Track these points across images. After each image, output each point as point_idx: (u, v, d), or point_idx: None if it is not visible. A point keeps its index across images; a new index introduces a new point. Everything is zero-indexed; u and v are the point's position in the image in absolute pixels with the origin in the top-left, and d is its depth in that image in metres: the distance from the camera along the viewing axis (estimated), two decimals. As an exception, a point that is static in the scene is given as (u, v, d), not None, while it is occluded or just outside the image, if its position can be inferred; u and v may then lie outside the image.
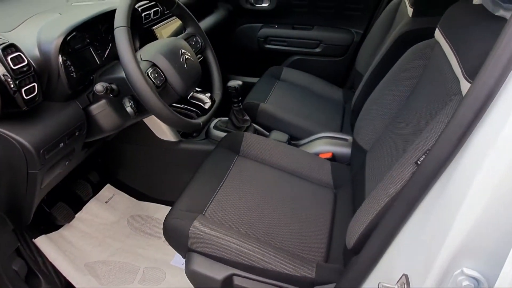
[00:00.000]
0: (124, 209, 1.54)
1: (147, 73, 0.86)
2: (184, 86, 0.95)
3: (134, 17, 1.17)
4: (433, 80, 0.87)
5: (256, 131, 1.52)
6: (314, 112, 1.65)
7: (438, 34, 0.92)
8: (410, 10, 1.27)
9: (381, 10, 1.82)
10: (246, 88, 2.15)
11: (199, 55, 1.14)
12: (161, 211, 1.54)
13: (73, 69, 0.98)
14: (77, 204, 1.41)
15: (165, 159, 1.48)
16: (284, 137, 1.44)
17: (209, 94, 1.08)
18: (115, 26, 0.82)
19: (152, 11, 1.24)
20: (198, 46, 1.11)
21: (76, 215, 1.41)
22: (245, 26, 2.05)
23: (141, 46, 1.18)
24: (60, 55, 0.87)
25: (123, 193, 1.60)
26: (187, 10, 1.09)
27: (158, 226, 1.49)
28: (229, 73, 2.21)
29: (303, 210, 1.08)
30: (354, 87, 1.86)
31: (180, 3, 1.05)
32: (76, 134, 0.95)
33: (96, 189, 1.53)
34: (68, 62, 0.98)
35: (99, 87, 0.84)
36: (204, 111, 1.04)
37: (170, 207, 1.00)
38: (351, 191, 1.16)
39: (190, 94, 1.06)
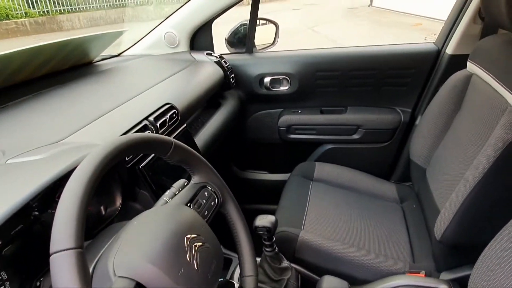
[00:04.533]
0: None
1: None
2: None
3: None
4: None
5: (300, 277, 1.06)
6: (371, 229, 1.21)
7: None
8: (514, 100, 0.86)
9: (435, 83, 1.44)
10: (271, 187, 1.74)
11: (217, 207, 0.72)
12: None
13: (5, 277, 0.58)
14: None
15: None
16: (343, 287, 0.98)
17: (236, 282, 0.65)
18: (51, 251, 0.41)
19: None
20: (213, 203, 0.69)
21: None
22: (262, 113, 1.67)
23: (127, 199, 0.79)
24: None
25: None
26: (191, 151, 0.68)
27: None
28: (245, 169, 1.80)
29: None
30: (412, 182, 1.43)
31: (177, 142, 0.65)
32: None
33: None
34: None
35: None
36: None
37: None
38: None
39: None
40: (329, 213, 1.26)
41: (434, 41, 1.47)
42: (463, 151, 1.05)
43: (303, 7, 11.89)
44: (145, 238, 0.53)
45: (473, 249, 0.82)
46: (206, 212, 0.67)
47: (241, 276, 0.69)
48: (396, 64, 1.47)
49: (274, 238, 0.99)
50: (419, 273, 1.02)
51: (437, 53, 1.44)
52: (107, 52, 1.38)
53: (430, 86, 1.46)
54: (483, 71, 1.06)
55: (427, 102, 1.40)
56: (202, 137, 1.25)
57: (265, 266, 1.02)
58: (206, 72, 1.39)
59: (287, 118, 1.62)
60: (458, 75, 1.21)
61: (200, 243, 0.57)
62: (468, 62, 1.18)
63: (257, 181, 1.78)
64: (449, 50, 1.39)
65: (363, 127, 1.55)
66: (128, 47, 1.57)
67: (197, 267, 0.54)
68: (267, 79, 1.58)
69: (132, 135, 0.57)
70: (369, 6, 11.47)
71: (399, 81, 1.49)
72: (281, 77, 1.57)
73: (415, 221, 1.26)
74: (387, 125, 1.53)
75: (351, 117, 1.56)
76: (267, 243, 0.98)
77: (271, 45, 1.71)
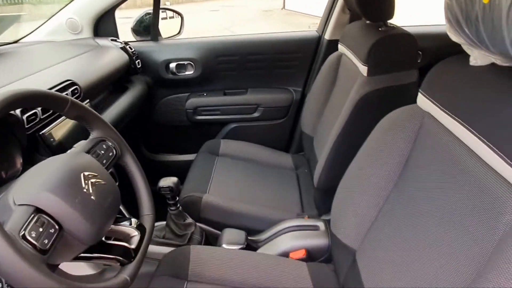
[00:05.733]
0: None
1: (23, 234, 0.51)
2: (93, 230, 0.61)
3: (8, 123, 0.82)
4: (441, 161, 0.65)
5: (205, 234, 1.19)
6: (267, 190, 1.39)
7: (440, 114, 0.69)
8: (363, 68, 1.09)
9: (318, 65, 1.67)
10: (181, 167, 1.84)
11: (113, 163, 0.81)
12: None
13: None
14: None
15: None
16: (241, 236, 1.13)
17: (135, 221, 0.75)
18: None
19: (39, 108, 0.89)
20: (111, 154, 0.78)
21: None
22: (170, 97, 1.76)
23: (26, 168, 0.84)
24: None
25: None
26: (88, 108, 0.77)
27: None
28: (156, 152, 1.88)
29: None
30: (304, 151, 1.65)
31: (74, 100, 0.73)
32: None
33: None
34: None
35: None
36: (129, 254, 0.70)
37: None
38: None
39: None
40: (232, 180, 1.41)
41: (316, 29, 1.72)
42: (334, 115, 1.27)
43: (220, 9, 12.09)
44: (42, 173, 0.61)
45: None
46: (105, 161, 0.75)
47: (140, 215, 0.79)
48: (285, 49, 1.68)
49: (177, 198, 1.11)
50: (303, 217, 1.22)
51: (318, 39, 1.68)
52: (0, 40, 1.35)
53: (315, 67, 1.69)
54: (348, 50, 1.30)
55: (313, 81, 1.63)
56: (108, 116, 1.30)
57: (170, 224, 1.13)
58: (110, 56, 1.45)
59: (194, 101, 1.74)
60: (332, 57, 1.44)
61: (98, 180, 0.66)
62: (338, 45, 1.41)
63: (168, 162, 1.87)
64: (327, 36, 1.63)
65: (261, 106, 1.74)
66: (27, 34, 1.55)
67: (94, 198, 0.63)
68: (172, 65, 1.68)
69: (31, 88, 0.64)
70: (282, 9, 12.08)
71: (288, 64, 1.71)
72: (185, 62, 1.68)
73: (306, 182, 1.47)
74: (282, 103, 1.74)
75: (251, 97, 1.74)
76: (171, 202, 1.09)
77: (176, 34, 1.81)
